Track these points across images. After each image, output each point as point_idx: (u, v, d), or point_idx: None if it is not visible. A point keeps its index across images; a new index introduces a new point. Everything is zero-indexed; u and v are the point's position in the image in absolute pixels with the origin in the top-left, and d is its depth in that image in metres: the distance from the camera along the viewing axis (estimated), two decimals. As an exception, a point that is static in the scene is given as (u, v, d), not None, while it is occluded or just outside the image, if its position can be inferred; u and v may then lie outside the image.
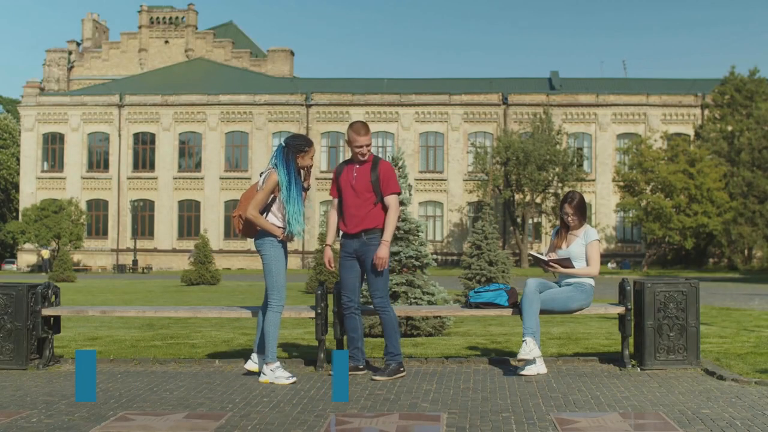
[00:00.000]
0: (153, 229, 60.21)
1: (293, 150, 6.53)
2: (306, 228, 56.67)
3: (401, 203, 9.91)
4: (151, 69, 69.87)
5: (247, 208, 6.51)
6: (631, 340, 7.02)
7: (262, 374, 6.50)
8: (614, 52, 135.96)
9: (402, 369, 6.59)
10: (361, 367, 6.70)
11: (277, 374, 6.37)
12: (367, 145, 6.60)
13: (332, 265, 6.82)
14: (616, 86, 60.31)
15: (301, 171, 6.64)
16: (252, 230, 6.60)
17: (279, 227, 6.53)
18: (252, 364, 6.69)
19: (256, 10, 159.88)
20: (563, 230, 7.12)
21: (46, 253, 54.97)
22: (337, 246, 6.98)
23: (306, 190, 6.76)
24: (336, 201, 6.76)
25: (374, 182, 6.55)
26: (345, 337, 6.96)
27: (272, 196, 6.53)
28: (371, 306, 6.97)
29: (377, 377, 6.45)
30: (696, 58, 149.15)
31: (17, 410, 5.33)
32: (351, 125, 6.70)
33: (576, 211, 7.00)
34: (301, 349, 8.68)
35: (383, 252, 6.47)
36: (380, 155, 57.61)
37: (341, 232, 6.76)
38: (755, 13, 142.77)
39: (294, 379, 6.36)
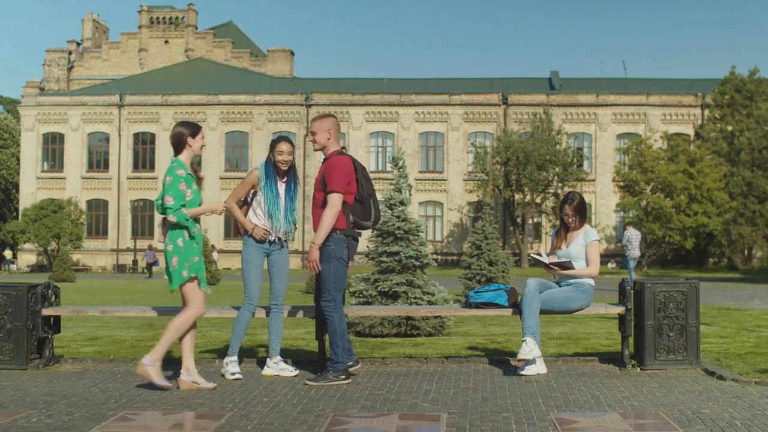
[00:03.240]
0: (153, 229, 60.17)
1: (270, 149, 6.68)
2: (307, 228, 55.66)
3: (401, 203, 9.93)
4: (151, 69, 69.85)
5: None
6: (631, 340, 7.02)
7: (264, 368, 6.69)
8: (614, 52, 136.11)
9: (343, 376, 6.24)
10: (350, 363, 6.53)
11: (226, 368, 6.61)
12: (312, 133, 6.50)
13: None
14: (616, 86, 60.27)
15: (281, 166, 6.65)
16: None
17: (256, 225, 6.60)
18: (267, 370, 6.74)
19: (256, 10, 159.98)
20: (563, 230, 7.12)
21: (8, 254, 55.18)
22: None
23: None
24: None
25: (321, 180, 6.37)
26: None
27: (253, 191, 6.66)
28: (352, 304, 6.88)
29: (309, 382, 6.24)
30: (696, 58, 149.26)
31: (17, 410, 5.33)
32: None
33: (576, 212, 7.00)
34: (301, 349, 8.68)
35: (311, 255, 6.25)
36: (380, 155, 58.11)
37: None
38: (755, 13, 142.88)
39: (238, 375, 6.45)
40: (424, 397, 5.75)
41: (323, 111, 59.05)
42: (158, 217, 6.58)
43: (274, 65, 70.11)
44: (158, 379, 6.02)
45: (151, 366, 6.00)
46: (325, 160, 6.49)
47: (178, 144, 6.15)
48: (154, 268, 43.80)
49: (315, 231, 6.34)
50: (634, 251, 23.65)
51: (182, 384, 6.10)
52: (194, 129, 6.22)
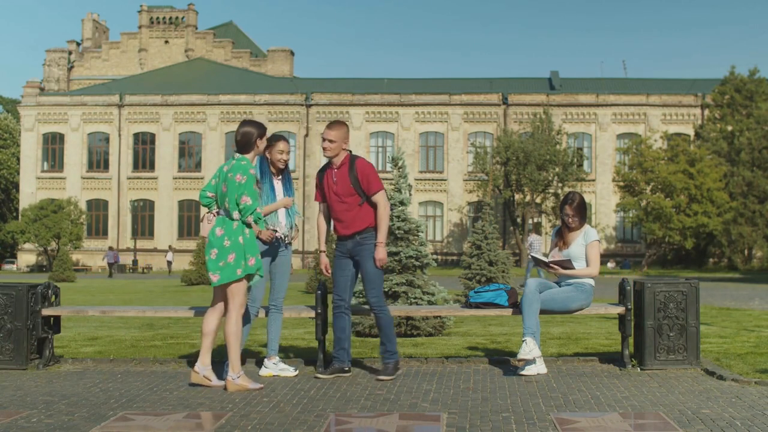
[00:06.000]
0: (153, 229, 60.23)
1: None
2: (307, 228, 55.56)
3: (401, 203, 9.93)
4: (151, 69, 69.88)
5: None
6: (631, 340, 7.02)
7: (264, 368, 6.70)
8: (614, 52, 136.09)
9: (399, 366, 6.65)
10: (347, 368, 6.57)
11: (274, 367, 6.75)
12: (330, 141, 6.44)
13: (329, 270, 6.77)
14: (616, 86, 60.29)
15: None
16: None
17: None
18: (264, 370, 6.73)
19: (256, 10, 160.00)
20: (563, 230, 7.12)
21: None
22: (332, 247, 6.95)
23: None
24: (323, 206, 6.66)
25: (354, 184, 6.42)
26: (333, 338, 6.85)
27: None
28: (366, 306, 6.92)
29: (383, 377, 6.40)
30: (696, 58, 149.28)
31: (17, 410, 5.33)
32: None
33: (576, 212, 7.00)
34: (301, 349, 8.68)
35: (381, 254, 6.44)
36: (380, 155, 58.08)
37: (336, 235, 6.69)
38: (755, 13, 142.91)
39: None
40: (424, 397, 5.74)
41: (323, 111, 59.03)
42: (202, 210, 6.55)
43: (274, 65, 70.13)
44: (252, 384, 6.06)
45: (238, 378, 6.03)
46: (338, 164, 6.47)
47: (246, 144, 6.16)
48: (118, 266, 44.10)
49: (339, 233, 6.52)
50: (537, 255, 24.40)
51: (194, 377, 6.12)
52: (262, 130, 6.25)
